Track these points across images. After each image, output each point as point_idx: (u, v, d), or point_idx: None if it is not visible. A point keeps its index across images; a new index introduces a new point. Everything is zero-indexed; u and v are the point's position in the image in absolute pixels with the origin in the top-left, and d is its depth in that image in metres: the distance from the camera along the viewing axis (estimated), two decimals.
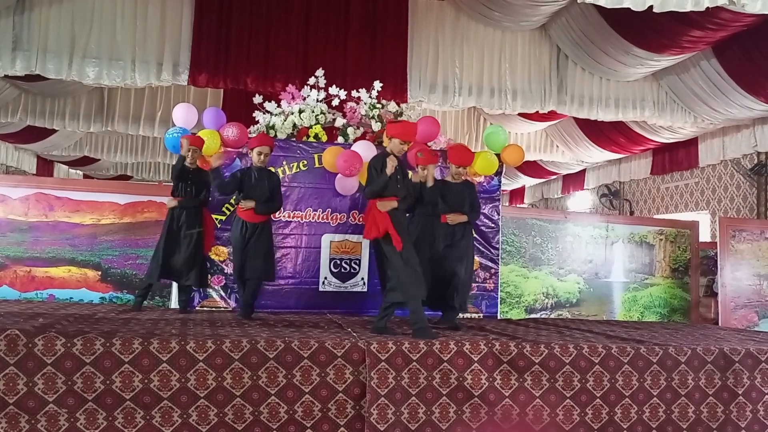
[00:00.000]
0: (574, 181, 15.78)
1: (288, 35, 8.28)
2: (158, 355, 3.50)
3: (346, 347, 3.74)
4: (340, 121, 6.50)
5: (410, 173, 5.39)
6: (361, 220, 6.01)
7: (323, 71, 6.60)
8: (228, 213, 6.05)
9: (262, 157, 5.40)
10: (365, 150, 6.04)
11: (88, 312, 5.00)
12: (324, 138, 6.39)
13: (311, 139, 6.36)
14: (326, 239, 6.21)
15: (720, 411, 4.17)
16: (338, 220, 6.25)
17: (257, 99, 6.57)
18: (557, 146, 12.78)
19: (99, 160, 15.25)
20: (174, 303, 6.04)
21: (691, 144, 11.22)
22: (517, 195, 19.18)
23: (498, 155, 6.56)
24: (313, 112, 6.39)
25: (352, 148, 6.09)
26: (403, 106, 6.94)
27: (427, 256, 5.06)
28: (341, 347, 3.74)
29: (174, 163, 5.62)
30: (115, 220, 6.34)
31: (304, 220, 6.22)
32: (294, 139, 6.37)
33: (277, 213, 6.11)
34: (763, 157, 9.90)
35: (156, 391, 3.47)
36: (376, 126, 6.43)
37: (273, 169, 5.86)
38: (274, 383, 3.62)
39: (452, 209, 5.21)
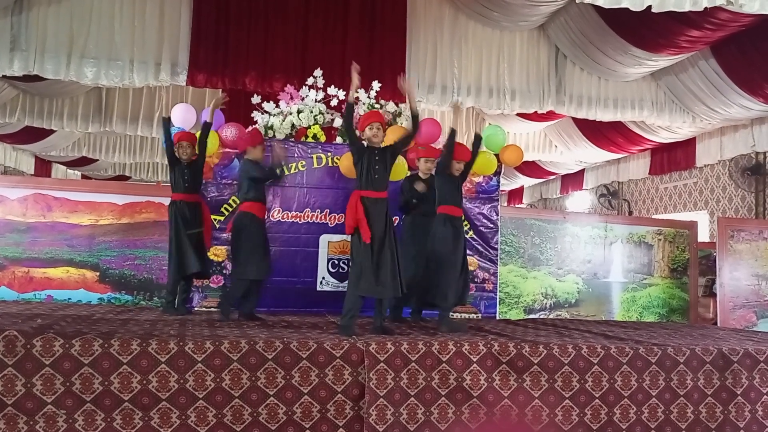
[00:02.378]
0: (572, 181, 15.79)
1: (286, 35, 8.28)
2: (157, 356, 3.49)
3: (344, 348, 3.74)
4: (338, 122, 6.49)
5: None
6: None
7: (321, 71, 6.59)
8: (227, 213, 6.04)
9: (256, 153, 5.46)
10: None
11: (87, 313, 5.00)
12: (322, 138, 6.39)
13: (310, 140, 6.36)
14: (324, 239, 6.21)
15: (719, 411, 4.17)
16: (336, 221, 6.24)
17: (256, 99, 6.57)
18: (556, 146, 12.79)
19: (97, 160, 15.24)
20: None
21: (689, 144, 11.24)
22: (515, 195, 19.19)
23: (497, 155, 6.57)
24: (311, 112, 6.38)
25: None
26: (402, 106, 6.93)
27: (411, 254, 5.11)
28: (340, 348, 3.73)
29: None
30: (113, 220, 6.33)
31: (302, 220, 6.22)
32: (292, 139, 6.36)
33: (276, 213, 6.13)
34: (762, 157, 9.91)
35: (154, 392, 3.47)
36: None
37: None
38: (272, 384, 3.62)
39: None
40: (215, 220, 6.01)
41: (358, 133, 4.80)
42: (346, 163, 6.08)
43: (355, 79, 4.56)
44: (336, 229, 6.24)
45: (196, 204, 5.56)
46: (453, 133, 5.04)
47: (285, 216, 6.19)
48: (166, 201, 6.06)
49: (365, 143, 4.63)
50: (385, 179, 4.57)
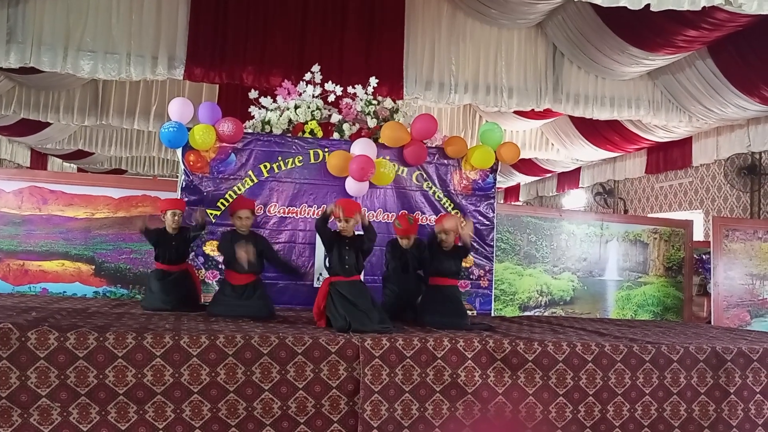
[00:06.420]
0: (569, 179, 15.82)
1: (284, 31, 8.26)
2: (152, 350, 3.50)
3: (340, 343, 3.75)
4: (335, 117, 6.49)
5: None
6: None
7: (319, 67, 6.59)
8: (223, 208, 6.03)
9: (243, 221, 5.18)
10: (367, 149, 6.05)
11: (82, 306, 4.99)
12: (320, 134, 6.38)
13: (307, 135, 6.35)
14: None
15: (712, 409, 4.19)
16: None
17: (253, 94, 6.55)
18: (552, 144, 12.81)
19: (93, 153, 15.20)
20: None
21: (686, 143, 11.27)
22: (512, 193, 19.22)
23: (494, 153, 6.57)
24: (308, 107, 6.37)
25: (352, 147, 6.09)
26: (399, 102, 6.94)
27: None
28: (335, 343, 3.74)
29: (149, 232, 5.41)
30: (109, 214, 6.32)
31: (299, 215, 6.22)
32: (290, 134, 6.36)
33: (272, 208, 6.14)
34: (757, 157, 9.95)
35: (149, 386, 3.47)
36: (371, 122, 6.43)
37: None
38: (267, 379, 3.63)
39: None
40: (211, 214, 6.00)
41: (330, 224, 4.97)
42: (333, 161, 6.08)
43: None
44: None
45: (181, 271, 5.44)
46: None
47: (281, 211, 6.18)
48: (162, 195, 6.05)
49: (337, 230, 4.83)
50: (357, 266, 4.76)
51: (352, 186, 6.11)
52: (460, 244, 5.15)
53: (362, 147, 6.07)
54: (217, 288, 5.75)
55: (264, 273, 5.75)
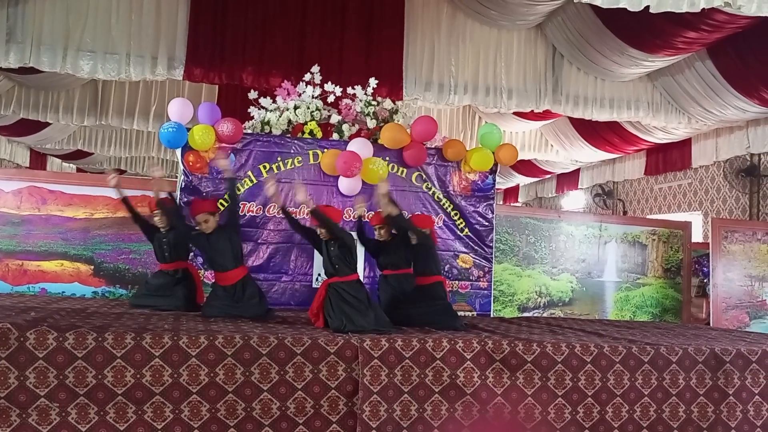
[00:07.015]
0: (568, 180, 15.82)
1: (284, 31, 8.27)
2: (150, 350, 3.50)
3: (339, 344, 3.75)
4: (335, 118, 6.49)
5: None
6: (354, 217, 6.01)
7: (319, 68, 6.59)
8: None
9: (203, 225, 5.09)
10: (362, 148, 6.05)
11: (81, 306, 4.98)
12: (319, 134, 6.38)
13: (306, 136, 6.35)
14: None
15: (710, 411, 4.20)
16: None
17: (252, 95, 6.55)
18: (552, 145, 12.81)
19: (93, 153, 15.19)
20: None
21: (685, 145, 11.27)
22: (511, 194, 19.22)
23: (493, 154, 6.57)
24: (308, 108, 6.37)
25: (348, 146, 6.09)
26: (399, 103, 6.94)
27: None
28: (334, 344, 3.74)
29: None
30: (108, 214, 6.31)
31: (297, 216, 6.20)
32: (289, 135, 6.36)
33: (272, 209, 6.13)
34: (756, 158, 9.95)
35: (148, 386, 3.47)
36: (371, 123, 6.43)
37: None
38: (266, 379, 3.62)
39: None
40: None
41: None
42: (326, 160, 6.09)
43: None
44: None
45: (179, 270, 5.45)
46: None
47: (281, 212, 6.17)
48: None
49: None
50: (347, 263, 4.73)
51: (344, 185, 6.12)
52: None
53: (357, 146, 6.09)
54: None
55: (261, 273, 5.79)
